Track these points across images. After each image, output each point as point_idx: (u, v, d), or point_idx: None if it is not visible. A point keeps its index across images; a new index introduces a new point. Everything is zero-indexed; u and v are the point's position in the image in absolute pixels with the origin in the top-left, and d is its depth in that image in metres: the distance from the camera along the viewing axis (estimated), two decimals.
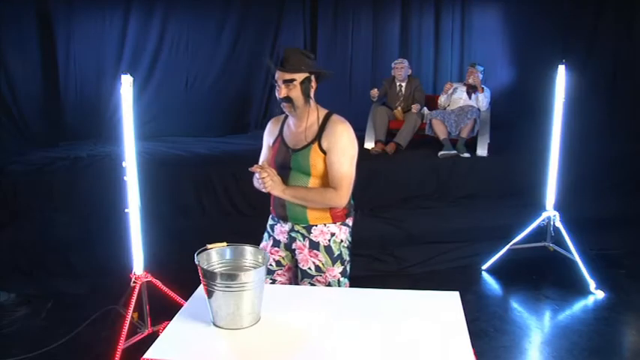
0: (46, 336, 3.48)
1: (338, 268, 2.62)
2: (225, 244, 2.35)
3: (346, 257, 2.66)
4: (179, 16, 7.29)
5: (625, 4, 7.28)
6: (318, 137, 2.50)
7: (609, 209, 5.45)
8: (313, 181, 2.51)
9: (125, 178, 3.11)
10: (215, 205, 5.25)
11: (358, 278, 4.24)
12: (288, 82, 2.43)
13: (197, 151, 6.28)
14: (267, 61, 2.56)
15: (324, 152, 2.49)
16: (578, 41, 7.48)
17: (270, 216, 2.75)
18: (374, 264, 4.63)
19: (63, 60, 6.80)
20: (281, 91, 2.45)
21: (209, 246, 2.27)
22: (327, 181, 2.50)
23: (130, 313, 3.11)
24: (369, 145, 6.19)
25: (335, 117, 2.58)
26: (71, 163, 5.62)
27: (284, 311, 2.24)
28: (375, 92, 6.29)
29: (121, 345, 3.04)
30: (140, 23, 7.10)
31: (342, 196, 2.47)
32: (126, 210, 3.17)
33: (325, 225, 2.58)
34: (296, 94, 2.46)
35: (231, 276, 2.05)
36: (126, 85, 3.00)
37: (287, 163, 2.56)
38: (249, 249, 2.35)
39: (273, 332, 2.10)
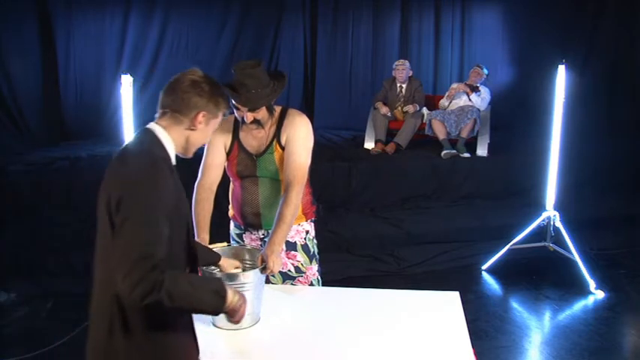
0: (46, 336, 3.48)
1: (315, 266, 2.62)
2: (225, 244, 2.36)
3: (317, 254, 2.65)
4: (179, 16, 7.28)
5: (625, 4, 7.28)
6: (276, 134, 2.43)
7: (609, 209, 5.46)
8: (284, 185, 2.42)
9: None
10: (215, 205, 5.24)
11: (358, 278, 4.28)
12: (252, 109, 2.34)
13: (197, 151, 6.26)
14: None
15: (282, 147, 2.42)
16: (578, 41, 7.48)
17: (234, 224, 2.66)
18: (374, 264, 4.62)
19: (63, 60, 6.79)
20: (248, 118, 2.35)
21: (209, 246, 2.27)
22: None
23: None
24: (369, 145, 6.18)
25: (292, 110, 2.50)
26: (71, 163, 5.62)
27: (284, 311, 2.25)
28: (385, 110, 6.19)
29: None
30: (140, 23, 7.10)
31: (300, 190, 2.37)
32: None
33: (300, 224, 2.55)
34: (262, 114, 2.38)
35: (230, 276, 2.05)
36: (126, 85, 3.01)
37: (253, 172, 2.47)
38: (248, 249, 2.35)
39: (273, 332, 2.10)
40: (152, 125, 1.67)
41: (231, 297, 1.63)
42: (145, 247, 1.45)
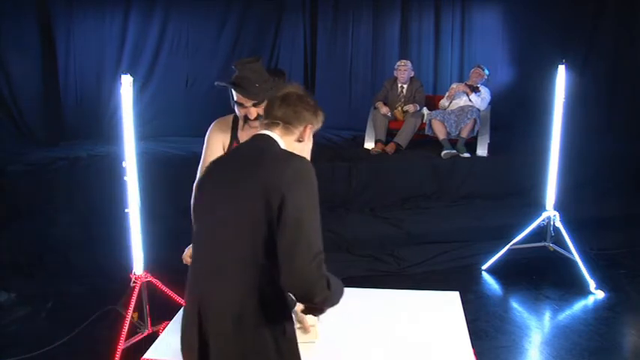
0: (46, 336, 3.48)
1: None
2: None
3: None
4: (179, 16, 7.28)
5: (625, 3, 7.28)
6: None
7: (609, 209, 5.46)
8: None
9: (125, 178, 3.11)
10: None
11: (358, 278, 4.28)
12: (257, 103, 2.34)
13: (197, 151, 6.23)
14: (217, 84, 2.43)
15: None
16: (578, 41, 7.48)
17: None
18: (374, 264, 4.62)
19: (63, 60, 6.79)
20: (252, 113, 2.35)
21: None
22: None
23: (130, 313, 3.11)
24: (369, 145, 6.18)
25: None
26: (71, 163, 5.61)
27: None
28: (385, 110, 6.19)
29: (121, 345, 3.04)
30: (140, 23, 7.09)
31: None
32: (126, 210, 3.17)
33: None
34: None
35: None
36: (126, 85, 3.01)
37: None
38: None
39: None
40: (269, 133, 1.76)
41: None
42: (319, 243, 1.57)
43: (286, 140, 1.77)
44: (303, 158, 1.69)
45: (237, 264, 1.63)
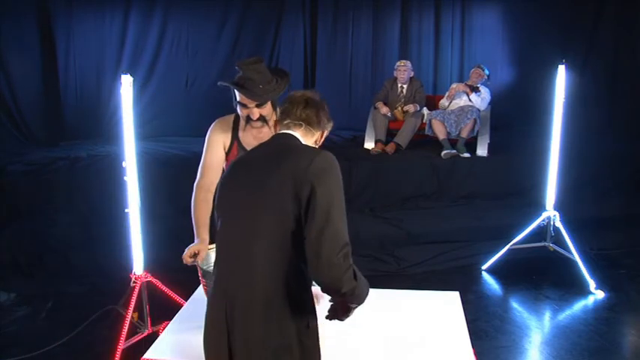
0: (46, 336, 3.48)
1: None
2: None
3: None
4: (179, 16, 7.28)
5: (625, 4, 7.28)
6: None
7: (609, 209, 5.46)
8: None
9: (125, 178, 3.11)
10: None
11: None
12: (260, 104, 2.36)
13: (197, 151, 6.24)
14: (220, 84, 2.44)
15: None
16: (578, 41, 7.48)
17: None
18: (374, 264, 4.62)
19: (63, 60, 6.79)
20: (255, 114, 2.36)
21: (209, 246, 2.27)
22: None
23: (130, 313, 3.11)
24: (369, 145, 6.19)
25: None
26: (71, 163, 5.62)
27: None
28: (385, 110, 6.19)
29: (121, 345, 3.04)
30: (140, 23, 7.10)
31: None
32: (126, 210, 3.17)
33: None
34: (268, 110, 2.39)
35: None
36: (126, 85, 3.01)
37: None
38: None
39: None
40: (292, 132, 1.81)
41: None
42: (346, 235, 1.62)
43: (306, 141, 1.82)
44: (329, 153, 1.73)
45: (267, 256, 1.66)
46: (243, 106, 2.37)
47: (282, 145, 1.77)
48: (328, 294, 1.67)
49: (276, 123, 1.87)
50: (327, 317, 1.79)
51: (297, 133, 1.80)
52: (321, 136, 1.87)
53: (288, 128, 1.81)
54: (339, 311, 1.75)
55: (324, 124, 1.86)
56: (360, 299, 1.69)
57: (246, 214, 1.69)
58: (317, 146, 1.86)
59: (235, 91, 2.37)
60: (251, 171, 1.74)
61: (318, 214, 1.58)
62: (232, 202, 1.75)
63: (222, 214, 1.78)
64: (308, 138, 1.83)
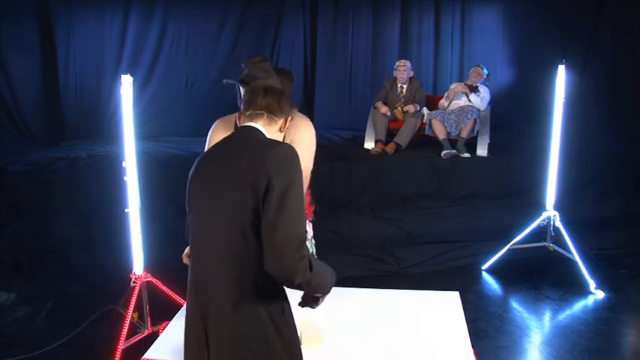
0: (46, 336, 3.48)
1: None
2: None
3: (315, 254, 2.64)
4: (179, 16, 7.28)
5: (625, 4, 7.28)
6: None
7: (609, 209, 5.46)
8: None
9: (125, 178, 3.11)
10: None
11: (358, 278, 4.28)
12: None
13: (197, 151, 6.24)
14: (226, 82, 2.46)
15: None
16: (578, 41, 7.48)
17: None
18: (374, 264, 4.62)
19: (63, 60, 6.79)
20: None
21: None
22: None
23: (130, 313, 3.11)
24: (369, 145, 6.18)
25: (296, 113, 2.51)
26: (71, 163, 5.61)
27: None
28: (385, 110, 6.19)
29: (121, 345, 3.04)
30: (140, 23, 7.09)
31: (307, 193, 2.41)
32: (126, 210, 3.17)
33: None
34: None
35: None
36: (126, 85, 3.01)
37: None
38: None
39: None
40: (254, 124, 1.82)
41: None
42: (302, 225, 1.62)
43: (269, 130, 1.83)
44: (288, 145, 1.75)
45: (231, 252, 1.67)
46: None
47: (245, 139, 1.79)
48: (283, 285, 1.67)
49: (240, 115, 1.89)
50: (299, 304, 1.79)
51: (260, 124, 1.82)
52: (285, 123, 1.88)
53: (251, 119, 1.82)
54: (309, 300, 1.77)
55: (286, 111, 1.87)
56: (322, 289, 1.70)
57: (213, 211, 1.71)
58: (282, 132, 1.88)
59: (241, 88, 2.39)
60: (215, 166, 1.76)
61: (272, 204, 1.58)
62: (199, 197, 1.77)
63: (191, 209, 1.80)
64: (272, 127, 1.84)
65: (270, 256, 1.58)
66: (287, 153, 1.69)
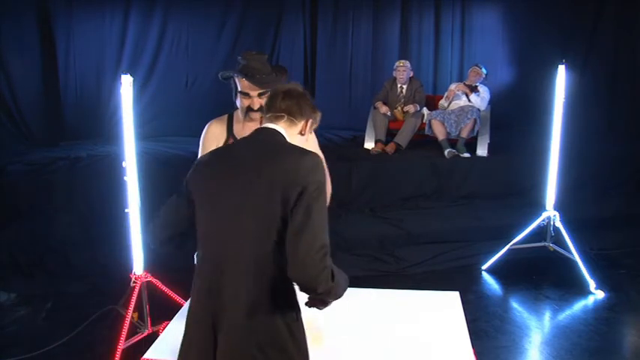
0: (46, 336, 3.48)
1: None
2: None
3: None
4: (179, 16, 7.28)
5: (625, 4, 7.28)
6: None
7: (609, 209, 5.46)
8: None
9: (125, 178, 3.11)
10: None
11: (358, 278, 4.27)
12: (262, 93, 2.37)
13: (197, 151, 6.24)
14: (222, 74, 2.47)
15: None
16: (578, 41, 7.48)
17: None
18: (374, 264, 4.62)
19: (63, 60, 6.79)
20: (255, 104, 2.38)
21: None
22: None
23: (130, 313, 3.11)
24: (369, 145, 6.18)
25: None
26: (71, 163, 5.61)
27: None
28: (385, 110, 6.19)
29: (121, 345, 3.04)
30: (140, 23, 7.09)
31: None
32: (126, 210, 3.17)
33: None
34: None
35: None
36: (126, 85, 3.01)
37: None
38: None
39: None
40: (274, 126, 1.80)
41: None
42: (325, 236, 1.63)
43: (290, 133, 1.82)
44: (315, 153, 1.74)
45: (253, 256, 1.66)
46: (245, 95, 2.39)
47: (268, 143, 1.77)
48: (305, 292, 1.67)
49: (261, 118, 1.88)
50: (306, 304, 1.79)
51: (280, 126, 1.80)
52: (306, 126, 1.86)
53: (271, 122, 1.81)
54: (318, 302, 1.76)
55: (307, 113, 1.85)
56: (336, 296, 1.71)
57: (233, 214, 1.69)
58: (303, 136, 1.87)
59: (237, 81, 2.39)
60: (236, 168, 1.73)
61: (299, 214, 1.59)
62: (216, 197, 1.74)
63: (206, 210, 1.76)
64: (292, 129, 1.83)
65: (295, 264, 1.58)
66: (317, 162, 1.69)
